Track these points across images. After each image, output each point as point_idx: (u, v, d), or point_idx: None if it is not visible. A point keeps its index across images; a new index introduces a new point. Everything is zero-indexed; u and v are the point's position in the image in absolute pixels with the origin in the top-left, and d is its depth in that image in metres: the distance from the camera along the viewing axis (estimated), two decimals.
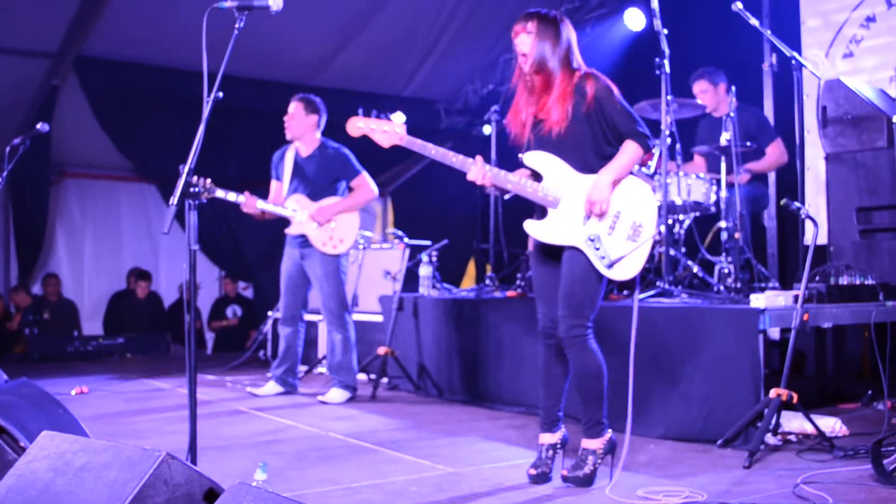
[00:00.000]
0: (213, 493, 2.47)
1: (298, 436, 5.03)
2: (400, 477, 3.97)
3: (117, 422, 5.46)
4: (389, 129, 3.94)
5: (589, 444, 3.92)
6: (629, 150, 3.89)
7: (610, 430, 3.97)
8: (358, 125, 4.00)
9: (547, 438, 4.04)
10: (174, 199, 3.24)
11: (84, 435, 3.25)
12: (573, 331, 3.84)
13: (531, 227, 3.92)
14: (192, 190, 3.32)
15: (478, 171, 3.86)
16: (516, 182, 3.88)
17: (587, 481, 3.82)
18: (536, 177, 3.95)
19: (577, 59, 4.00)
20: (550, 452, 4.01)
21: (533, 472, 3.92)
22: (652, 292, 5.57)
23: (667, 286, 5.55)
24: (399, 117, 3.99)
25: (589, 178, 3.87)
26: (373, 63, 10.30)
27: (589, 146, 3.90)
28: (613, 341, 4.92)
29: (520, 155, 4.00)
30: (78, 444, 2.66)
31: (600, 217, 3.85)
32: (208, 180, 5.16)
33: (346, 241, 6.33)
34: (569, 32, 3.99)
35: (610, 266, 3.86)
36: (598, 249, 3.84)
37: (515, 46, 3.97)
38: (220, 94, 3.43)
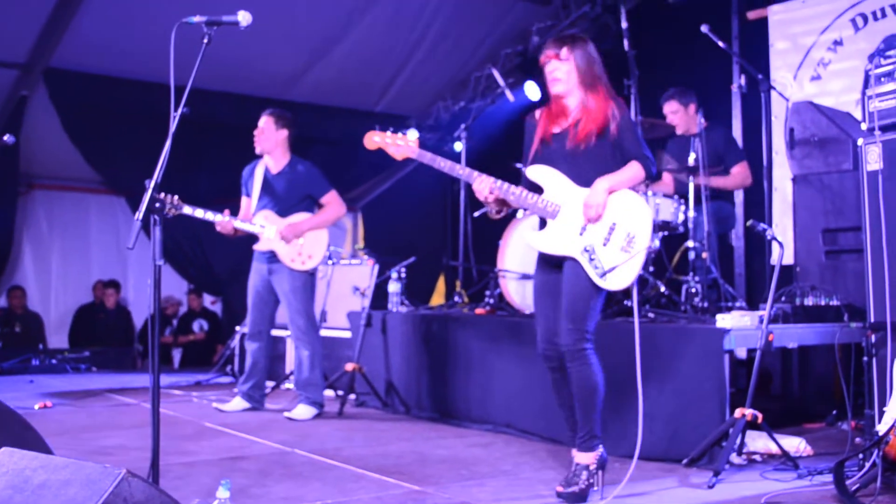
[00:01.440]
0: None
1: (264, 452, 4.99)
2: (365, 494, 3.95)
3: (81, 437, 5.40)
4: (403, 143, 4.20)
5: (582, 458, 3.95)
6: (632, 169, 4.03)
7: (601, 446, 4.01)
8: (374, 139, 4.28)
9: (573, 453, 4.06)
10: (139, 214, 3.22)
11: (47, 451, 3.21)
12: (578, 344, 3.92)
13: (532, 237, 4.07)
14: (157, 205, 3.30)
15: (484, 183, 4.00)
16: (518, 195, 4.00)
17: (581, 497, 3.83)
18: (536, 190, 4.06)
19: (604, 82, 4.14)
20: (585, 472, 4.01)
21: (559, 489, 3.91)
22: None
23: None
24: (413, 133, 4.16)
25: (587, 190, 3.98)
26: (345, 78, 10.31)
27: (602, 168, 4.00)
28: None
29: (523, 168, 4.13)
30: (37, 461, 2.63)
31: (595, 221, 3.94)
32: (176, 197, 5.13)
33: (315, 257, 6.31)
34: (596, 57, 4.14)
35: (603, 276, 3.94)
36: (592, 260, 3.94)
37: (547, 73, 4.10)
38: (187, 109, 3.41)
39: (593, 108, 4.02)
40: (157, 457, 3.24)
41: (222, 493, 2.84)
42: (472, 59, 10.55)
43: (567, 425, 4.17)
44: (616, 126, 4.00)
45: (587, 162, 4.00)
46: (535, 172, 4.07)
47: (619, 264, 3.96)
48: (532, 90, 9.99)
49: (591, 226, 3.96)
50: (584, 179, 3.99)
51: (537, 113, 4.23)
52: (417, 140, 4.20)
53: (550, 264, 4.11)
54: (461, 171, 4.08)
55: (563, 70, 4.05)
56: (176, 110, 3.42)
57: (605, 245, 3.96)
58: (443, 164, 4.07)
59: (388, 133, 4.23)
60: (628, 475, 3.90)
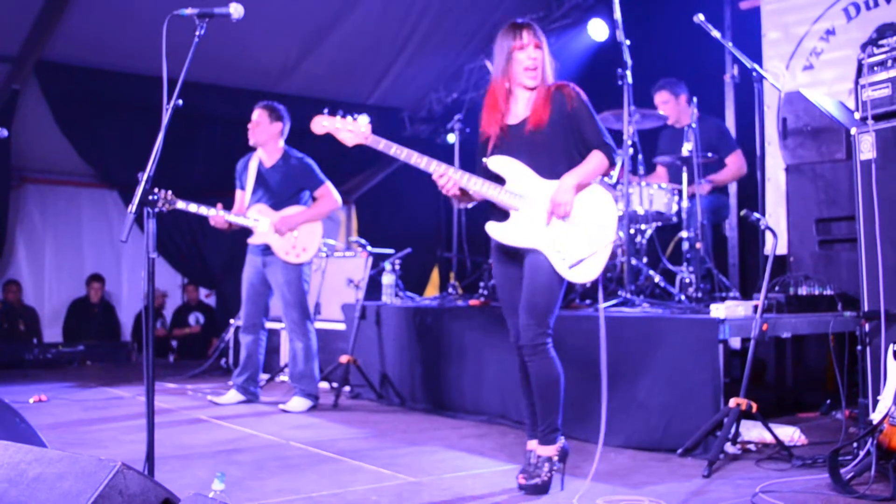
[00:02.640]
0: (169, 503, 2.45)
1: (259, 445, 4.99)
2: (360, 486, 3.95)
3: (76, 431, 5.39)
4: (355, 129, 3.99)
5: (544, 451, 3.93)
6: (595, 159, 3.95)
7: (563, 438, 3.99)
8: (323, 123, 4.06)
9: (531, 444, 4.05)
10: (132, 207, 3.21)
11: (41, 444, 3.21)
12: (537, 339, 3.85)
13: (493, 229, 3.94)
14: (151, 198, 3.30)
15: (443, 173, 3.87)
16: (480, 185, 3.89)
17: (543, 489, 3.83)
18: (499, 181, 3.96)
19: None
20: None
21: (522, 480, 3.91)
22: (613, 301, 5.60)
23: (628, 296, 5.58)
24: (364, 118, 3.94)
25: (551, 182, 3.91)
26: (337, 71, 10.29)
27: (560, 154, 3.95)
28: (575, 351, 4.95)
29: (483, 159, 4.00)
30: (32, 454, 2.63)
31: (563, 218, 3.88)
32: (169, 192, 5.12)
33: (309, 250, 6.31)
34: None
35: (571, 268, 3.89)
36: (559, 252, 3.87)
37: (523, 59, 3.95)
38: (180, 102, 3.40)
39: (542, 94, 3.96)
40: (152, 449, 3.24)
41: (217, 485, 2.84)
42: (464, 50, 10.53)
43: (525, 413, 4.13)
44: (570, 114, 3.94)
45: (547, 150, 3.93)
46: (496, 163, 3.95)
47: (585, 257, 3.91)
48: None
49: (553, 220, 3.89)
50: (547, 169, 3.93)
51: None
52: (369, 125, 4.00)
53: (509, 255, 4.04)
54: (418, 159, 3.88)
55: (540, 59, 3.97)
56: (169, 103, 3.42)
57: (570, 237, 3.90)
58: (398, 152, 3.90)
59: (338, 117, 4.03)
60: (593, 469, 3.91)
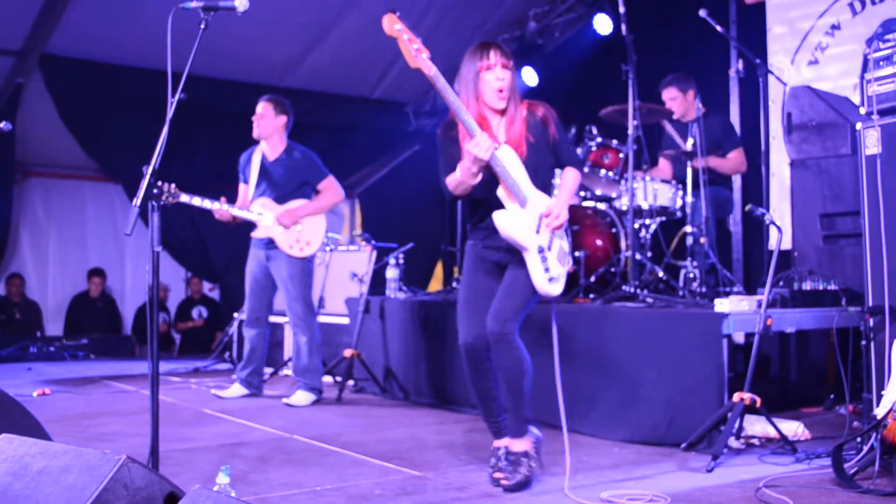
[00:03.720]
0: (173, 497, 2.45)
1: (263, 438, 5.00)
2: (364, 480, 3.96)
3: (80, 424, 5.40)
4: (422, 52, 3.71)
5: (518, 445, 3.90)
6: (573, 178, 4.05)
7: (533, 427, 3.97)
8: (395, 27, 3.71)
9: (501, 442, 4.03)
10: (137, 201, 3.22)
11: (46, 438, 3.22)
12: (506, 327, 3.79)
13: (502, 217, 3.80)
14: (155, 191, 3.30)
15: (486, 140, 3.66)
16: (503, 167, 3.78)
17: (525, 484, 3.81)
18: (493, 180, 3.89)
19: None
20: (504, 454, 4.00)
21: (498, 475, 3.90)
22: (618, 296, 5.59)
23: (632, 290, 5.57)
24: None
25: (539, 193, 3.92)
26: (342, 65, 10.29)
27: (544, 172, 3.99)
28: (579, 345, 4.95)
29: (494, 148, 3.79)
30: (37, 447, 2.63)
31: (556, 230, 3.90)
32: (173, 185, 5.10)
33: (313, 243, 6.31)
34: None
35: (551, 280, 3.89)
36: (545, 261, 3.86)
37: (491, 80, 3.85)
38: (184, 95, 3.40)
39: (520, 119, 3.92)
40: (157, 443, 3.24)
41: (222, 478, 2.85)
42: (468, 44, 10.45)
43: (486, 417, 4.07)
44: (552, 131, 3.94)
45: (532, 173, 3.89)
46: (508, 152, 3.83)
47: (560, 274, 3.93)
48: (530, 76, 9.99)
49: (542, 229, 3.86)
50: (533, 181, 3.92)
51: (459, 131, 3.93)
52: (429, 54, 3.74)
53: (486, 266, 4.01)
54: (465, 115, 3.71)
55: (508, 80, 3.88)
56: (173, 97, 3.41)
57: (552, 251, 3.91)
58: (452, 98, 3.72)
59: (406, 28, 3.71)
60: (568, 466, 3.91)
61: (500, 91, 3.86)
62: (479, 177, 3.80)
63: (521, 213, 3.85)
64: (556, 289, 3.92)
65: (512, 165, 3.84)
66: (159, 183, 3.37)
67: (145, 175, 3.28)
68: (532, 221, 3.86)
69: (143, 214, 3.26)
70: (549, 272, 3.87)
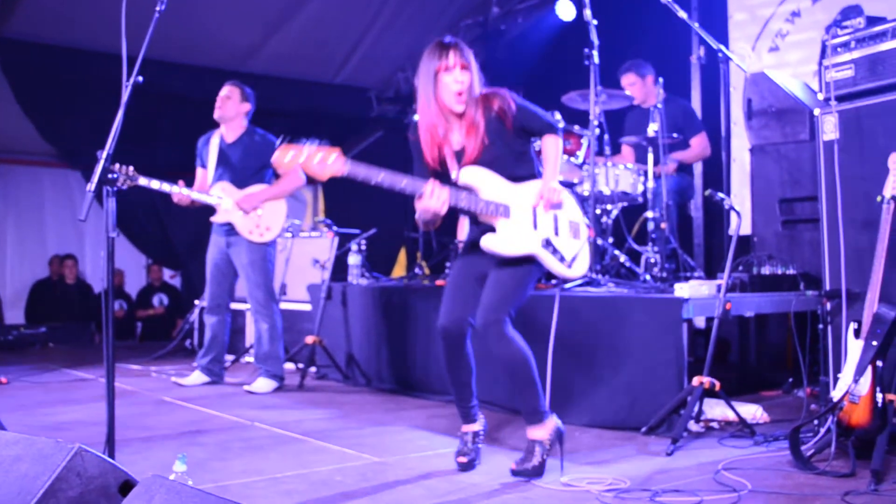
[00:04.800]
0: (128, 485, 2.41)
1: (223, 426, 4.96)
2: (325, 467, 3.94)
3: (36, 413, 5.34)
4: (328, 160, 3.54)
5: (534, 434, 3.84)
6: (554, 145, 3.93)
7: (553, 416, 3.90)
8: (288, 157, 3.53)
9: (471, 427, 4.04)
10: (91, 186, 3.17)
11: (0, 427, 3.17)
12: (500, 324, 3.74)
13: (490, 241, 3.77)
14: (110, 176, 3.25)
15: (434, 192, 3.63)
16: (469, 198, 3.73)
17: (537, 472, 3.73)
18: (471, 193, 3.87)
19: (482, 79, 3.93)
20: (474, 440, 4.02)
21: (463, 459, 3.92)
22: (579, 281, 5.60)
23: (594, 275, 5.59)
24: (333, 154, 3.59)
25: (523, 185, 3.87)
26: (304, 50, 10.21)
27: (509, 158, 3.89)
28: (537, 330, 4.95)
29: (453, 174, 3.82)
30: None
31: (556, 207, 3.86)
32: (131, 168, 5.04)
33: (274, 229, 6.27)
34: None
35: (570, 265, 3.88)
36: (554, 252, 3.84)
37: (449, 82, 3.77)
38: (140, 79, 3.35)
39: (475, 115, 3.83)
40: (113, 431, 3.21)
41: (179, 466, 2.82)
42: (431, 29, 10.47)
43: (457, 401, 4.06)
44: (510, 124, 3.83)
45: (500, 163, 3.84)
46: (468, 174, 3.78)
47: (577, 252, 3.91)
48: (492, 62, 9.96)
49: (541, 218, 3.84)
50: (509, 178, 3.86)
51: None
52: (339, 152, 3.58)
53: (481, 255, 3.91)
54: (403, 183, 3.64)
55: (468, 82, 3.78)
56: (128, 80, 3.37)
57: (557, 235, 3.88)
58: (381, 178, 3.60)
59: (306, 146, 3.53)
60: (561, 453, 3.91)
61: (459, 94, 3.77)
62: (444, 210, 3.73)
63: (508, 225, 3.80)
64: (579, 269, 3.93)
65: (481, 185, 3.78)
66: (116, 166, 3.32)
67: (99, 160, 3.23)
68: (525, 222, 3.82)
69: (98, 199, 3.22)
70: (563, 260, 3.86)
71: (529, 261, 3.85)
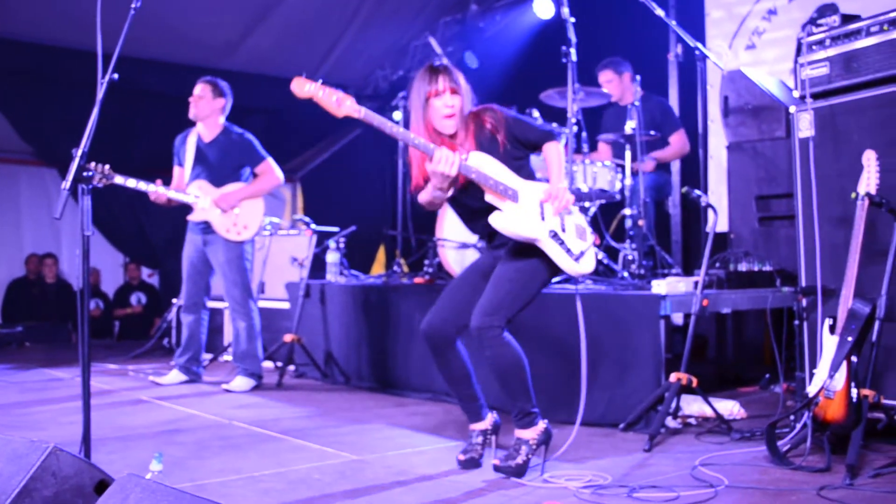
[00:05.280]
0: (103, 484, 2.41)
1: (201, 425, 4.95)
2: (303, 465, 3.93)
3: (12, 413, 5.30)
4: (341, 97, 3.62)
5: (522, 434, 3.84)
6: (556, 152, 3.93)
7: (544, 420, 3.89)
8: (306, 88, 3.61)
9: (477, 425, 4.03)
10: (66, 184, 3.15)
11: None
12: (492, 324, 3.70)
13: (498, 218, 3.74)
14: (85, 174, 3.23)
15: (446, 155, 3.61)
16: (480, 174, 3.71)
17: (519, 471, 3.73)
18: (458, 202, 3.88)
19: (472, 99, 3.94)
20: (480, 438, 4.00)
21: (462, 457, 3.92)
22: (558, 278, 5.61)
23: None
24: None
25: (531, 182, 3.87)
26: (282, 47, 10.17)
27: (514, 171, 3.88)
28: (534, 331, 4.97)
29: (461, 156, 3.73)
30: None
31: (563, 211, 3.85)
32: (107, 166, 5.01)
33: (251, 227, 6.25)
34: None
35: (578, 259, 3.86)
36: (562, 244, 3.83)
37: (439, 107, 3.79)
38: (116, 76, 3.33)
39: (466, 137, 3.84)
40: (89, 430, 3.19)
41: (155, 465, 2.80)
42: (410, 27, 10.48)
43: (458, 401, 4.06)
44: (503, 138, 3.84)
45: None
46: (477, 158, 3.76)
47: (585, 249, 3.91)
48: (471, 59, 9.97)
49: (548, 213, 3.82)
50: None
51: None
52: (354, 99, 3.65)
53: (488, 263, 3.95)
54: (416, 140, 3.67)
55: (458, 106, 3.81)
56: (104, 77, 3.35)
57: (564, 232, 3.87)
58: (394, 130, 3.63)
59: (320, 83, 3.61)
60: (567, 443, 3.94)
61: (449, 117, 3.81)
62: (450, 192, 3.79)
63: (516, 208, 3.78)
64: (585, 266, 3.91)
65: (489, 167, 3.77)
66: (92, 164, 3.30)
67: (75, 157, 3.21)
68: (533, 210, 3.81)
69: (75, 197, 3.20)
70: (571, 253, 3.85)
71: (537, 257, 3.83)
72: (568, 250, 3.85)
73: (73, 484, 2.38)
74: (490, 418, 4.06)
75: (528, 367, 3.81)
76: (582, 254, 3.90)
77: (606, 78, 6.77)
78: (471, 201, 3.88)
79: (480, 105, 3.95)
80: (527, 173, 3.93)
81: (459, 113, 3.83)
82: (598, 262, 5.99)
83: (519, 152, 3.93)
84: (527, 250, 3.84)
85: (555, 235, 3.83)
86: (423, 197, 3.87)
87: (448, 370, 3.96)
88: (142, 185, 5.87)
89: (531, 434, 3.83)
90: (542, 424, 3.88)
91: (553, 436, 3.94)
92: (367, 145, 11.40)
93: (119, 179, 5.50)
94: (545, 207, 3.84)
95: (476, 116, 3.90)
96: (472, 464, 3.90)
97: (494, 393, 4.60)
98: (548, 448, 3.90)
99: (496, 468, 3.77)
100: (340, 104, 3.61)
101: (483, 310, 3.74)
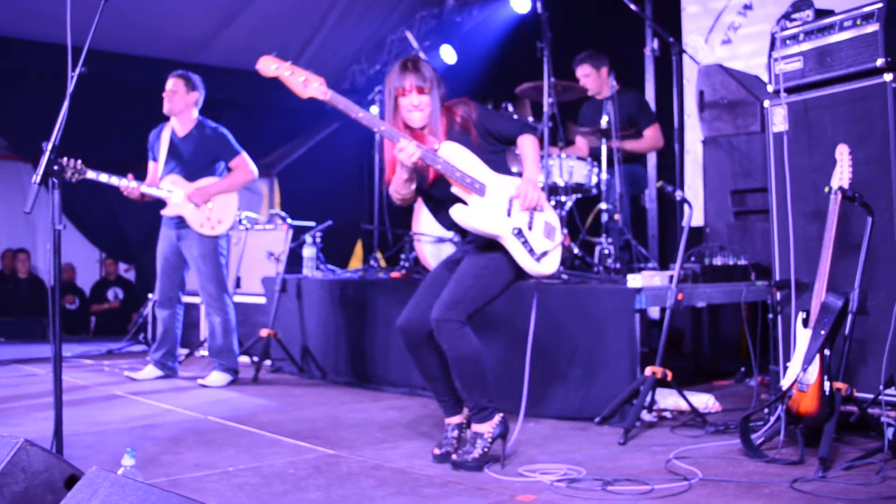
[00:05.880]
0: (74, 479, 2.39)
1: (176, 420, 4.92)
2: (278, 459, 3.92)
3: None
4: (310, 78, 3.67)
5: (478, 428, 3.84)
6: (531, 145, 3.93)
7: (500, 414, 3.88)
8: (271, 67, 3.66)
9: (453, 420, 4.02)
10: (37, 178, 3.12)
11: None
12: (451, 319, 3.70)
13: (460, 211, 3.76)
14: (56, 168, 3.20)
15: (409, 145, 3.65)
16: (447, 165, 3.72)
17: (476, 465, 3.74)
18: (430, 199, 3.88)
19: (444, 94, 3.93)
20: (456, 432, 3.99)
21: (437, 451, 3.91)
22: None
23: None
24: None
25: (502, 177, 3.86)
26: (257, 41, 10.08)
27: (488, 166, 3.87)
28: (499, 324, 4.97)
29: (435, 147, 3.78)
30: None
31: (534, 210, 3.85)
32: (79, 161, 4.97)
33: (225, 222, 6.21)
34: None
35: (539, 259, 3.85)
36: (525, 243, 3.82)
37: (406, 104, 3.81)
38: (85, 70, 3.31)
39: (443, 135, 3.85)
40: (61, 425, 3.17)
41: (127, 460, 2.78)
42: (387, 21, 10.46)
43: (434, 395, 4.06)
44: (475, 126, 3.85)
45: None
46: (449, 148, 3.77)
47: (550, 250, 3.90)
48: (448, 54, 9.96)
49: (515, 209, 3.82)
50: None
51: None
52: (325, 81, 3.70)
53: (456, 260, 3.94)
54: (382, 126, 3.70)
55: (425, 103, 3.81)
56: (74, 71, 3.32)
57: (530, 230, 3.87)
58: (360, 115, 3.65)
59: (289, 64, 3.66)
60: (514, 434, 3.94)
61: (416, 116, 3.82)
62: (413, 184, 3.82)
63: (481, 202, 3.78)
64: (547, 267, 3.89)
65: (458, 159, 3.76)
66: (64, 160, 3.28)
67: (45, 151, 3.19)
68: (499, 205, 3.80)
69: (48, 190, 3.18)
70: (533, 253, 3.84)
71: (503, 254, 3.83)
72: (530, 250, 3.84)
73: (44, 479, 2.36)
74: (466, 412, 4.06)
75: (486, 363, 3.80)
76: (545, 254, 3.89)
77: (584, 72, 6.77)
78: (438, 192, 3.88)
79: (454, 99, 3.95)
80: (501, 167, 3.93)
81: (429, 111, 3.83)
82: (574, 256, 6.00)
83: (492, 146, 3.93)
84: (493, 246, 3.85)
85: (519, 233, 3.82)
86: (392, 188, 3.89)
87: (424, 365, 3.96)
88: (114, 180, 5.83)
89: (487, 428, 3.83)
90: (497, 418, 3.87)
91: (509, 429, 3.91)
92: (344, 140, 11.38)
93: (91, 174, 5.45)
94: (514, 203, 3.83)
95: (448, 111, 3.91)
96: (446, 458, 3.89)
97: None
98: (505, 441, 3.89)
99: (454, 463, 3.77)
100: (307, 85, 3.65)
101: (443, 303, 3.74)
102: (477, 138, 3.86)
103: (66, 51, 3.42)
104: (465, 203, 3.79)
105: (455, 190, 3.78)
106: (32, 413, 5.10)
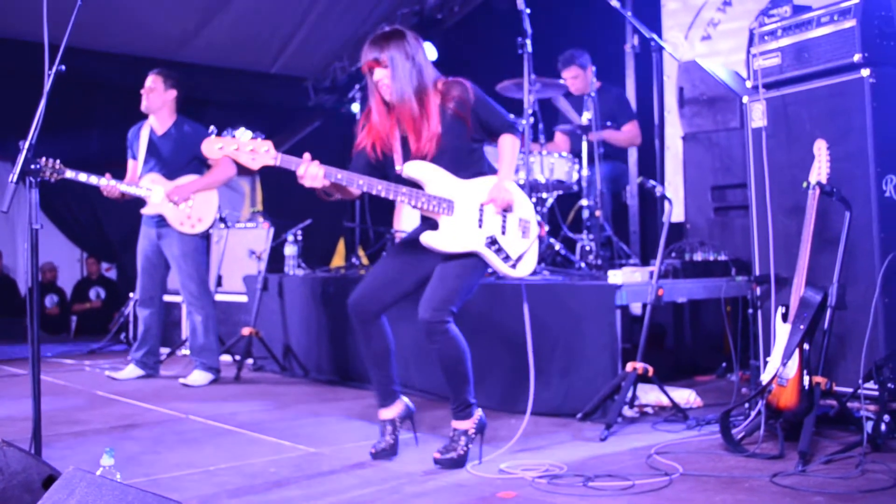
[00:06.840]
0: (52, 479, 2.38)
1: (157, 419, 4.90)
2: (259, 458, 3.92)
3: None
4: (257, 148, 3.57)
5: (459, 425, 3.85)
6: (511, 145, 3.89)
7: (479, 410, 3.91)
8: (216, 147, 3.53)
9: (385, 414, 3.98)
10: (13, 177, 3.11)
11: None
12: (442, 317, 3.71)
13: (430, 238, 3.76)
14: (33, 167, 3.18)
15: (311, 167, 3.66)
16: (410, 193, 3.69)
17: (459, 462, 3.75)
18: (416, 188, 3.80)
19: (431, 72, 3.86)
20: (390, 427, 3.96)
21: (373, 450, 3.89)
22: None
23: None
24: (245, 134, 3.60)
25: (472, 182, 3.83)
26: (239, 39, 10.10)
27: (461, 152, 3.84)
28: (482, 321, 4.97)
29: (397, 168, 3.80)
30: None
31: (506, 212, 3.84)
32: (57, 161, 4.93)
33: (205, 220, 6.19)
34: (418, 48, 3.82)
35: (514, 265, 3.87)
36: (499, 252, 3.82)
37: (371, 81, 3.79)
38: (63, 68, 3.29)
39: (427, 111, 3.77)
40: (39, 425, 3.15)
41: (106, 460, 2.77)
42: (368, 18, 10.43)
43: (376, 383, 4.01)
44: (469, 111, 3.80)
45: (449, 158, 3.79)
46: (413, 168, 3.74)
47: (524, 251, 3.90)
48: (430, 51, 9.94)
49: (488, 216, 3.81)
50: (453, 171, 3.81)
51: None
52: (271, 144, 3.62)
53: (419, 251, 3.88)
54: (338, 174, 3.67)
55: (387, 76, 3.73)
56: (51, 69, 3.31)
57: (504, 234, 3.86)
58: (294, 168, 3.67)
59: (237, 135, 3.54)
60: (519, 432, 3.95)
61: (384, 91, 3.78)
62: (339, 194, 3.87)
63: (450, 221, 3.77)
64: (523, 269, 3.91)
65: (426, 179, 3.75)
66: (43, 159, 3.26)
67: (21, 150, 3.17)
68: (470, 219, 3.79)
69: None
70: (508, 259, 3.84)
71: (475, 262, 3.83)
72: (505, 257, 3.85)
73: (21, 480, 2.35)
74: (400, 405, 4.00)
75: (470, 358, 3.82)
76: (521, 257, 3.89)
77: (572, 74, 6.74)
78: (392, 171, 3.86)
79: (451, 78, 3.90)
80: (479, 158, 3.92)
81: (394, 83, 3.74)
82: (556, 253, 6.01)
83: (478, 135, 3.91)
84: None
85: (492, 242, 3.82)
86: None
87: (369, 345, 3.94)
88: (93, 180, 5.80)
89: (468, 424, 3.85)
90: (478, 413, 3.89)
91: (486, 425, 3.93)
92: (327, 138, 11.34)
93: (70, 174, 5.41)
94: (485, 210, 3.82)
95: (443, 88, 3.84)
96: (384, 454, 3.89)
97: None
98: (483, 437, 3.90)
99: (436, 461, 3.76)
100: (255, 156, 3.57)
101: (431, 304, 3.73)
102: (466, 122, 3.82)
103: (41, 48, 3.40)
104: (431, 230, 3.79)
105: (424, 214, 3.80)
106: (12, 414, 5.06)
